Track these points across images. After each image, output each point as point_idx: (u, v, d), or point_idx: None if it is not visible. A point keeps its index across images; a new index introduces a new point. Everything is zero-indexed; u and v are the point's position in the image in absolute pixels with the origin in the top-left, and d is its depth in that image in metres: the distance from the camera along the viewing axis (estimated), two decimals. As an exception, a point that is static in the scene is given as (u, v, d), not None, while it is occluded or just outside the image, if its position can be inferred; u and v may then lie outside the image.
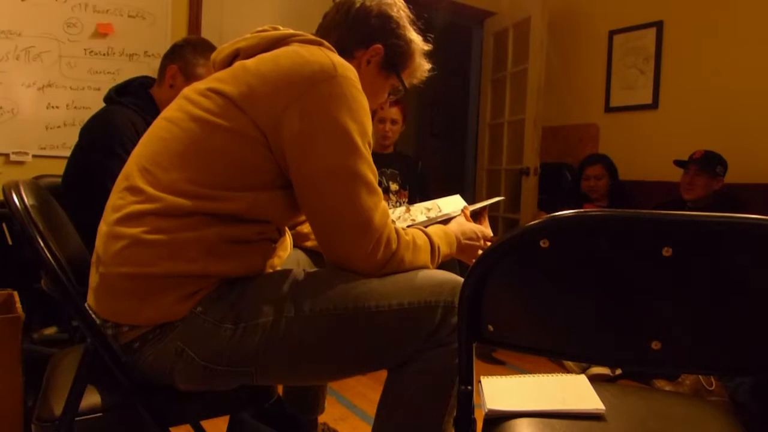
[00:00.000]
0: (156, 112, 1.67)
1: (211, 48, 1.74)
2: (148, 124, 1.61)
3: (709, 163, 2.61)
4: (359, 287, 0.93)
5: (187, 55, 1.68)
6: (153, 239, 0.87)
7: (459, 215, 1.27)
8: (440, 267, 1.06)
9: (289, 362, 0.92)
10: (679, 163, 2.74)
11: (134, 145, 1.55)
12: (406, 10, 1.16)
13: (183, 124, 0.93)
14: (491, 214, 1.44)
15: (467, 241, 1.18)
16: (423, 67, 1.19)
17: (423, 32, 1.17)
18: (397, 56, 1.13)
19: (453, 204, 1.39)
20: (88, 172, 1.56)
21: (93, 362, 0.88)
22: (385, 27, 1.11)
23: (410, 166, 2.76)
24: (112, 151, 1.53)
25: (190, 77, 1.66)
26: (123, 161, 1.52)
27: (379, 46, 1.11)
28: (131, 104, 1.64)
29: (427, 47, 1.18)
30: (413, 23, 1.16)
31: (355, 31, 1.11)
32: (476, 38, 4.15)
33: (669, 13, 3.29)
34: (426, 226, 1.11)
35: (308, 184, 0.92)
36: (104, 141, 1.55)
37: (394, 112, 2.60)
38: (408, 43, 1.14)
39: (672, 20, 3.29)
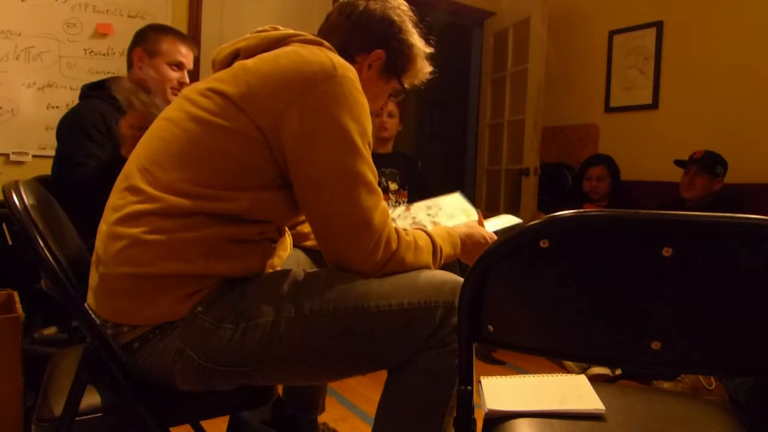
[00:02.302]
0: None
1: (171, 29, 1.80)
2: (120, 111, 1.64)
3: (710, 163, 2.61)
4: (359, 287, 0.93)
5: (147, 35, 1.73)
6: (153, 239, 0.87)
7: (473, 220, 1.28)
8: (441, 267, 1.06)
9: (289, 362, 0.92)
10: (679, 162, 2.74)
11: (98, 130, 1.61)
12: (410, 13, 1.14)
13: (183, 123, 0.93)
14: (491, 214, 1.43)
15: (473, 245, 1.18)
16: (424, 69, 1.19)
17: (424, 33, 1.17)
18: (399, 61, 1.13)
19: (453, 202, 1.39)
20: (59, 164, 1.63)
21: (93, 362, 0.88)
22: (387, 32, 1.10)
23: (410, 166, 2.76)
24: (74, 138, 1.58)
25: (154, 54, 1.70)
26: (82, 144, 1.58)
27: (381, 51, 1.10)
28: (102, 96, 1.69)
29: (428, 50, 1.17)
30: (416, 25, 1.15)
31: (356, 36, 1.10)
32: (476, 38, 4.15)
33: (669, 13, 3.29)
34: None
35: (308, 184, 0.92)
36: (70, 131, 1.61)
37: (391, 106, 2.60)
38: (410, 47, 1.13)
39: (672, 20, 3.29)
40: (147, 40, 1.71)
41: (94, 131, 1.59)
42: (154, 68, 1.69)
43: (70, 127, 1.62)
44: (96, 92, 1.72)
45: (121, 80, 1.69)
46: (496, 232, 1.29)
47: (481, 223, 1.27)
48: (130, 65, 1.74)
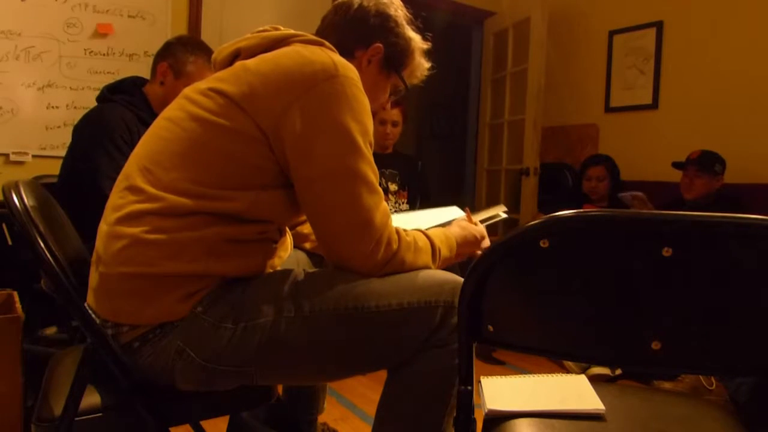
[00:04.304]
0: (149, 109, 1.68)
1: (202, 47, 1.75)
2: (141, 120, 1.63)
3: (708, 162, 2.60)
4: (359, 287, 0.93)
5: (178, 52, 1.69)
6: (153, 239, 0.87)
7: (462, 218, 1.27)
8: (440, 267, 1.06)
9: (289, 362, 0.92)
10: (677, 165, 2.73)
11: (125, 141, 1.57)
12: (404, 10, 1.16)
13: (184, 123, 0.93)
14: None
15: (468, 246, 1.18)
16: (423, 65, 1.20)
17: (421, 31, 1.18)
18: (398, 55, 1.14)
19: (452, 214, 1.39)
20: (79, 169, 1.57)
21: (93, 362, 0.89)
22: (384, 26, 1.12)
23: (410, 167, 2.76)
24: (103, 148, 1.54)
25: (180, 74, 1.68)
26: (113, 158, 1.54)
27: (380, 45, 1.11)
28: (123, 101, 1.65)
29: (426, 46, 1.19)
30: (411, 23, 1.16)
31: (354, 31, 1.11)
32: (476, 38, 4.15)
33: (669, 13, 3.29)
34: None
35: (309, 184, 0.92)
36: (95, 138, 1.56)
37: (395, 114, 2.59)
38: (408, 41, 1.14)
39: (672, 20, 3.29)
40: (175, 58, 1.68)
41: (121, 142, 1.54)
42: (172, 91, 1.64)
43: (96, 135, 1.56)
44: (117, 96, 1.66)
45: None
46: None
47: (470, 221, 1.27)
48: (153, 75, 1.71)
